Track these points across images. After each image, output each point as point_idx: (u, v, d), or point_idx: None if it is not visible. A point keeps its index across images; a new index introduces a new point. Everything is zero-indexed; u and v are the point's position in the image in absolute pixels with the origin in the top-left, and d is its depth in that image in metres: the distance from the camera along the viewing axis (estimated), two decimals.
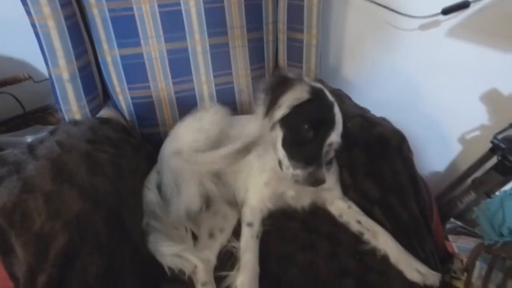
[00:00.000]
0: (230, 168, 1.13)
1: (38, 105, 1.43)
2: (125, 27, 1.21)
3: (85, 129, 1.05)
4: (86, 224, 0.76)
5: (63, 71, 1.08)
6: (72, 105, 1.14)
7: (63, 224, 0.74)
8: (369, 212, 1.07)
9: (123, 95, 1.29)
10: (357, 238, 1.02)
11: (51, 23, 1.01)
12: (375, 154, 1.07)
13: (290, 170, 0.94)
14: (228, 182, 1.14)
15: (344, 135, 1.07)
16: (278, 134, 0.98)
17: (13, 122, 1.36)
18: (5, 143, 1.24)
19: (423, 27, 1.33)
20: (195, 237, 1.02)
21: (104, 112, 1.25)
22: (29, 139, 1.23)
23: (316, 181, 0.91)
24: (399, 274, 0.92)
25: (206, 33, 1.30)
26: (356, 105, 1.26)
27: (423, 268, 0.92)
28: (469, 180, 1.38)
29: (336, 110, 0.96)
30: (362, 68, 1.56)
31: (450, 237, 1.25)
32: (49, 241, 0.72)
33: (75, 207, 0.76)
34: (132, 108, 1.31)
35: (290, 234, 1.03)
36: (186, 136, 1.13)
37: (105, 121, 1.16)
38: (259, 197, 1.07)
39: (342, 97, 1.30)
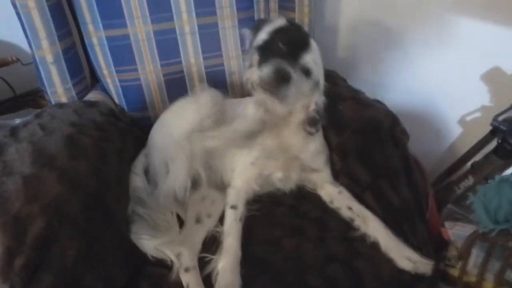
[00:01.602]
0: (218, 151, 1.11)
1: (29, 88, 1.41)
2: (110, 8, 1.17)
3: (70, 112, 1.03)
4: (65, 208, 0.75)
5: (47, 53, 1.05)
6: (58, 88, 1.12)
7: (41, 207, 0.73)
8: (360, 197, 1.04)
9: (111, 78, 1.27)
10: (347, 224, 1.00)
11: (31, 3, 0.98)
12: (367, 138, 1.04)
13: (257, 73, 0.91)
14: (215, 165, 1.12)
15: (335, 117, 1.05)
16: (255, 58, 0.97)
17: (4, 105, 1.35)
18: None
19: (423, 2, 1.27)
20: (182, 222, 1.01)
21: (92, 95, 1.23)
22: (18, 122, 1.23)
23: (279, 73, 0.86)
24: (389, 261, 0.90)
25: (194, 13, 1.25)
26: (349, 87, 1.22)
27: (414, 256, 0.89)
28: (468, 164, 1.33)
29: (313, 41, 0.97)
30: (358, 48, 1.50)
31: (447, 223, 1.22)
32: (27, 224, 0.72)
33: (54, 191, 0.75)
34: (120, 91, 1.29)
35: (277, 219, 1.01)
36: (175, 119, 1.10)
37: (91, 104, 1.14)
38: (245, 178, 1.05)
39: (335, 79, 1.26)
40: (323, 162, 1.10)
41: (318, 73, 0.98)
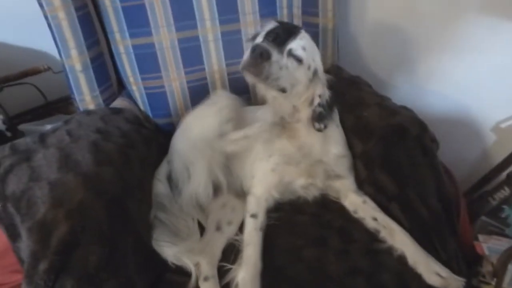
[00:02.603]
0: (238, 156, 1.10)
1: (60, 95, 1.47)
2: (136, 17, 1.20)
3: (96, 119, 1.07)
4: (88, 213, 0.77)
5: (76, 62, 1.09)
6: (86, 95, 1.16)
7: (65, 212, 0.75)
8: (386, 208, 1.00)
9: (136, 85, 1.30)
10: (372, 236, 0.96)
11: (61, 15, 1.02)
12: (393, 145, 0.99)
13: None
14: (236, 171, 1.11)
15: (359, 125, 1.01)
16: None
17: (36, 112, 1.42)
18: (28, 132, 1.29)
19: (452, 4, 1.21)
20: (202, 228, 1.01)
21: (118, 102, 1.26)
22: (48, 128, 1.28)
23: (256, 50, 0.86)
24: (417, 277, 0.85)
25: (217, 21, 1.26)
26: (374, 93, 1.18)
27: (444, 271, 0.85)
28: (503, 174, 1.25)
29: (303, 31, 0.98)
30: (385, 54, 1.45)
31: (480, 237, 1.15)
32: (52, 229, 0.74)
33: (78, 196, 0.77)
34: (145, 98, 1.32)
35: (299, 228, 0.99)
36: (195, 124, 1.10)
37: (117, 111, 1.17)
38: (265, 185, 1.03)
39: (360, 85, 1.22)
40: (346, 167, 1.07)
41: (313, 61, 0.98)
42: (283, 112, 1.03)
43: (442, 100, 1.31)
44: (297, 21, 1.33)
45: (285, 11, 1.33)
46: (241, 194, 1.09)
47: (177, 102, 1.33)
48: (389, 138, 1.00)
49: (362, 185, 1.06)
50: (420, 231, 0.94)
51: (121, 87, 1.35)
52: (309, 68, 0.97)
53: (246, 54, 0.89)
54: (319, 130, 0.99)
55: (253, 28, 1.31)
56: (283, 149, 1.03)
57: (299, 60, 0.94)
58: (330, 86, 1.01)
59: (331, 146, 1.04)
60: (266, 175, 1.04)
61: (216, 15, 1.25)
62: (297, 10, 1.31)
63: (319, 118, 0.98)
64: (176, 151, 1.11)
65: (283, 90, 0.95)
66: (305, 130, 1.02)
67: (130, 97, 1.34)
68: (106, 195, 0.82)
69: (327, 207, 1.07)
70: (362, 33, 1.49)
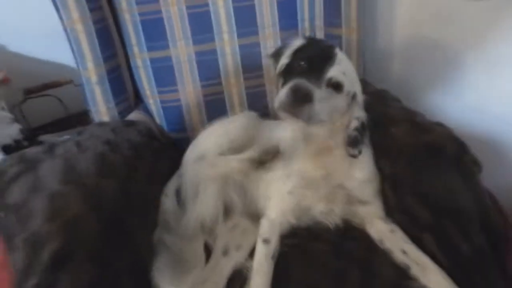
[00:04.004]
0: (253, 175, 1.03)
1: (82, 108, 1.49)
2: (154, 30, 1.19)
3: (107, 130, 1.04)
4: (83, 228, 0.72)
5: (92, 74, 1.09)
6: (101, 107, 1.15)
7: (59, 226, 0.71)
8: (418, 240, 0.86)
9: (153, 99, 1.28)
10: (400, 272, 0.83)
11: (79, 27, 1.03)
12: (425, 167, 0.87)
13: (277, 98, 0.82)
14: (250, 191, 1.03)
15: (386, 143, 0.90)
16: (279, 84, 0.91)
17: (58, 124, 1.44)
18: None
19: (497, 10, 1.08)
20: (210, 251, 0.92)
21: (134, 115, 1.24)
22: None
23: (296, 92, 0.77)
24: None
25: (235, 34, 1.23)
26: (404, 108, 1.06)
27: None
28: None
29: (338, 51, 0.88)
30: (415, 68, 1.33)
31: None
32: (44, 242, 0.69)
33: (75, 209, 0.72)
34: (161, 111, 1.29)
35: (315, 258, 0.87)
36: (209, 140, 1.07)
37: (130, 123, 1.14)
38: (280, 209, 0.94)
39: (387, 99, 1.11)
40: (372, 193, 0.95)
41: (352, 86, 0.88)
42: (316, 136, 0.93)
43: (483, 118, 1.16)
44: (319, 33, 1.27)
45: (306, 23, 1.27)
46: (255, 216, 1.00)
47: (193, 116, 1.30)
48: (421, 159, 0.88)
49: (391, 212, 0.94)
50: (460, 270, 0.79)
51: (139, 100, 1.34)
52: (348, 93, 0.88)
53: (283, 93, 0.78)
54: (354, 156, 0.89)
55: (272, 41, 1.26)
56: (304, 170, 0.94)
57: (339, 88, 0.84)
58: (366, 107, 0.92)
59: (356, 169, 0.93)
60: (282, 198, 0.95)
61: (234, 28, 1.22)
62: (319, 22, 1.25)
63: (354, 143, 0.88)
64: (187, 166, 1.05)
65: (319, 122, 0.86)
66: (331, 154, 0.93)
67: (147, 110, 1.32)
68: (105, 210, 0.77)
69: (349, 235, 0.94)
70: (391, 48, 1.39)
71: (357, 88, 0.90)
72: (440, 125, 0.94)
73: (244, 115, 1.10)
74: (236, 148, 1.02)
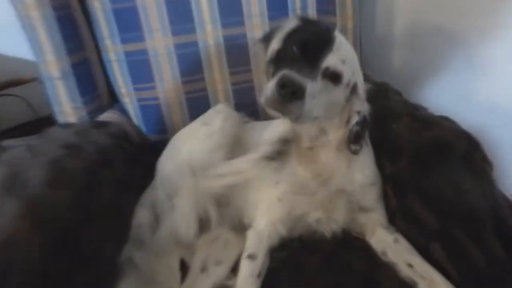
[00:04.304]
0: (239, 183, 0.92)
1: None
2: (128, 20, 1.08)
3: (70, 132, 0.92)
4: (21, 248, 0.59)
5: (52, 68, 0.97)
6: (65, 106, 1.02)
7: None
8: (425, 250, 0.76)
9: (128, 97, 1.16)
10: (406, 287, 0.72)
11: (35, 14, 0.90)
12: (431, 166, 0.76)
13: (265, 93, 0.70)
14: (235, 199, 0.91)
15: (386, 140, 0.80)
16: (269, 73, 0.79)
17: (25, 127, 1.31)
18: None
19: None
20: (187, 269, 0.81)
21: (107, 116, 1.12)
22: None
23: (284, 86, 0.65)
24: None
25: (219, 24, 1.12)
26: (405, 102, 0.96)
27: None
28: None
29: (336, 34, 0.75)
30: (417, 58, 1.23)
31: None
32: None
33: (12, 225, 0.60)
34: (138, 111, 1.17)
35: (309, 273, 0.76)
36: (190, 146, 0.93)
37: (100, 125, 1.02)
38: (269, 218, 0.83)
39: (387, 92, 1.01)
40: (375, 197, 0.84)
41: (353, 75, 0.76)
42: (304, 135, 0.82)
43: (493, 114, 1.05)
44: None
45: (298, 12, 1.16)
46: (241, 228, 0.89)
47: (173, 116, 1.18)
48: (426, 156, 0.77)
49: (392, 217, 0.83)
50: (474, 284, 0.69)
51: (114, 99, 1.22)
52: (347, 85, 0.75)
53: (270, 87, 0.67)
54: (355, 152, 0.78)
55: (261, 32, 1.15)
56: (295, 174, 0.83)
57: (337, 79, 0.72)
58: (369, 98, 0.80)
59: (357, 171, 0.82)
60: (271, 206, 0.84)
61: (218, 18, 1.11)
62: (312, 11, 1.14)
63: (355, 139, 0.77)
64: (161, 175, 0.94)
65: (312, 120, 0.75)
66: (327, 154, 0.82)
67: (123, 110, 1.19)
68: (54, 227, 0.64)
69: (347, 245, 0.84)
70: (390, 37, 1.29)
71: (358, 77, 0.78)
72: (446, 119, 0.84)
73: (223, 116, 0.96)
74: (213, 158, 0.89)
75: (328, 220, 0.83)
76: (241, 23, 1.13)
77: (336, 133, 0.80)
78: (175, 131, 1.19)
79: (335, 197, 0.82)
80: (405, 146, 0.80)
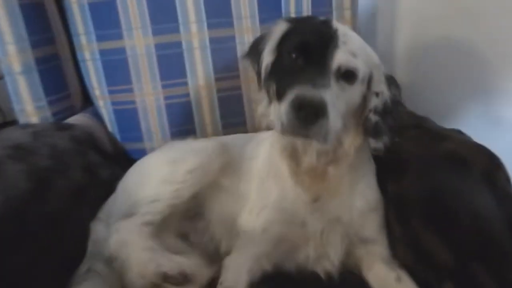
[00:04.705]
0: (215, 201, 0.78)
1: None
2: (106, 16, 0.98)
3: (26, 133, 0.80)
4: None
5: (13, 61, 0.86)
6: (26, 105, 0.91)
7: None
8: None
9: (103, 100, 1.05)
10: None
11: None
12: (443, 185, 0.63)
13: (275, 114, 0.61)
14: (211, 225, 0.78)
15: (388, 155, 0.67)
16: (272, 90, 0.66)
17: None
18: None
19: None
20: None
21: (76, 119, 1.00)
22: None
23: (304, 108, 0.54)
24: None
25: (205, 24, 1.02)
26: (411, 113, 0.84)
27: None
28: None
29: (336, 25, 0.64)
30: (422, 71, 1.12)
31: None
32: None
33: None
34: (113, 116, 1.06)
35: None
36: (149, 187, 0.76)
37: (64, 127, 0.90)
38: (251, 251, 0.69)
39: None
40: (376, 226, 0.70)
41: (367, 66, 0.63)
42: (311, 151, 0.68)
43: (502, 129, 0.93)
44: None
45: (292, 15, 1.07)
46: (213, 254, 0.76)
47: (151, 123, 1.06)
48: (436, 173, 0.64)
49: (394, 246, 0.69)
50: None
51: (90, 103, 1.11)
52: (363, 79, 0.63)
53: (284, 111, 0.56)
54: (378, 151, 0.65)
55: (251, 35, 1.05)
56: (285, 199, 0.70)
57: (353, 77, 0.61)
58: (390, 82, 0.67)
59: (358, 196, 0.69)
60: (254, 237, 0.71)
61: (204, 17, 1.02)
62: (307, 12, 1.04)
63: (375, 132, 0.63)
64: (118, 197, 0.81)
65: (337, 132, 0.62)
66: (338, 171, 0.68)
67: (97, 114, 1.08)
68: None
69: (341, 283, 0.69)
70: (392, 49, 1.19)
71: (373, 67, 0.65)
72: (458, 132, 0.71)
73: (195, 156, 0.78)
74: (179, 208, 0.75)
75: (321, 258, 0.69)
76: (230, 24, 1.04)
77: (353, 141, 0.66)
78: (152, 139, 1.08)
79: (330, 228, 0.69)
80: (411, 160, 0.68)
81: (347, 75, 0.60)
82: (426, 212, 0.64)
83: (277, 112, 0.59)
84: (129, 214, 0.72)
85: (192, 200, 0.76)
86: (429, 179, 0.64)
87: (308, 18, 0.77)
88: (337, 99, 0.58)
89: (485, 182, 0.60)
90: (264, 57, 0.67)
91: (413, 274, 0.67)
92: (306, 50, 0.61)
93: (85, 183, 0.79)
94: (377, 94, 0.64)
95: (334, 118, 0.57)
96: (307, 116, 0.54)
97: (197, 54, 1.04)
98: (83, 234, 0.74)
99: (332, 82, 0.59)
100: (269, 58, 0.66)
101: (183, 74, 1.04)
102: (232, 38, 1.05)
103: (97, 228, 0.76)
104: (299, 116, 0.54)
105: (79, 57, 1.03)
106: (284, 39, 0.66)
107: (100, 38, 0.99)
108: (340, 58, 0.59)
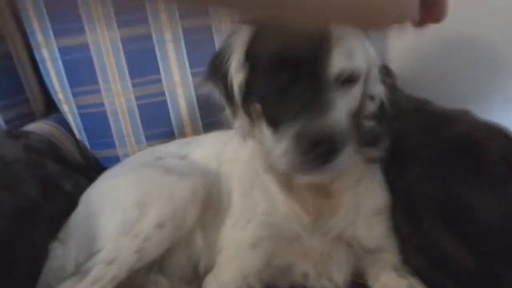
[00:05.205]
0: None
1: None
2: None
3: None
4: None
5: None
6: None
7: None
8: None
9: (67, 104, 0.94)
10: None
11: None
12: (456, 174, 0.54)
13: (279, 154, 0.46)
14: (193, 246, 0.68)
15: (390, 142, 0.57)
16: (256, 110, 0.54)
17: None
18: None
19: None
20: None
21: (36, 126, 0.89)
22: None
23: (312, 146, 0.43)
24: None
25: (177, 13, 0.92)
26: (410, 96, 0.74)
27: None
28: None
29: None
30: (428, 59, 1.02)
31: None
32: None
33: None
34: (79, 121, 0.95)
35: None
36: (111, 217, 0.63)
37: (19, 135, 0.79)
38: (237, 269, 0.59)
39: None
40: (383, 232, 0.60)
41: (366, 62, 0.52)
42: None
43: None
44: None
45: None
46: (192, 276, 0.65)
47: (123, 127, 0.95)
48: (448, 161, 0.54)
49: (404, 250, 0.59)
50: None
51: (54, 109, 1.00)
52: (362, 79, 0.52)
53: (289, 151, 0.45)
54: (373, 161, 0.55)
55: (230, 24, 0.95)
56: (276, 212, 0.60)
57: (354, 81, 0.50)
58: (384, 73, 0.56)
59: (362, 205, 0.59)
60: (241, 253, 0.60)
61: (175, 6, 0.92)
62: None
63: (372, 139, 0.53)
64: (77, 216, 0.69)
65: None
66: (344, 185, 0.58)
67: (63, 122, 0.97)
68: None
69: None
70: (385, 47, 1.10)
71: (370, 59, 0.53)
72: (466, 113, 0.62)
73: (190, 185, 0.65)
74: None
75: (322, 277, 0.59)
76: (205, 12, 0.94)
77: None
78: (125, 145, 0.97)
79: (332, 249, 0.59)
80: (417, 150, 0.58)
81: (348, 80, 0.49)
82: (439, 209, 0.54)
83: (281, 156, 0.46)
84: (81, 264, 0.59)
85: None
86: (440, 171, 0.54)
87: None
88: (343, 113, 0.48)
89: (504, 168, 0.51)
90: (232, 75, 0.53)
91: (427, 282, 0.57)
92: (292, 59, 0.47)
93: (40, 198, 0.68)
94: (372, 97, 0.53)
95: (349, 142, 0.46)
96: (321, 157, 0.43)
97: (170, 47, 0.93)
98: (37, 257, 0.62)
99: (335, 95, 0.47)
100: (238, 78, 0.52)
101: (155, 70, 0.94)
102: (208, 29, 0.95)
103: (55, 252, 0.65)
104: (309, 158, 0.43)
105: (37, 57, 0.92)
106: (253, 48, 0.52)
107: (58, 34, 0.89)
108: (337, 62, 0.47)
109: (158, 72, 0.94)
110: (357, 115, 0.53)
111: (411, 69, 0.99)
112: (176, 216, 0.61)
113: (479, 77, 0.87)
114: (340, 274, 0.58)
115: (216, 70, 0.56)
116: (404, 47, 1.03)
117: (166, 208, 0.61)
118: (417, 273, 0.57)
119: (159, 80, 0.95)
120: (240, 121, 0.55)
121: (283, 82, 0.48)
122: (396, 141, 0.61)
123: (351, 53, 0.49)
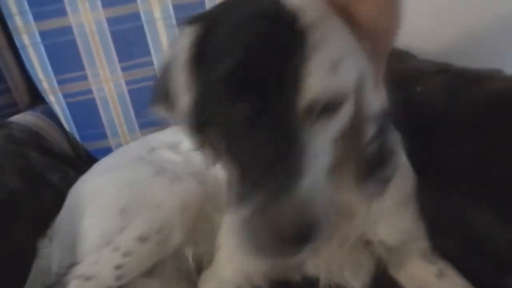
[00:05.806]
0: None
1: None
2: None
3: None
4: None
5: None
6: None
7: None
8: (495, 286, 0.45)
9: (53, 94, 0.87)
10: None
11: None
12: (492, 140, 0.45)
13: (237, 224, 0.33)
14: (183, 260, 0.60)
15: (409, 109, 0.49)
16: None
17: None
18: None
19: None
20: None
21: (20, 118, 0.82)
22: None
23: (281, 228, 0.30)
24: None
25: None
26: (429, 61, 0.65)
27: None
28: None
29: (297, 11, 0.34)
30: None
31: None
32: None
33: None
34: (67, 111, 0.88)
35: None
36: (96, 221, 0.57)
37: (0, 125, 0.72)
38: (240, 267, 0.51)
39: (400, 55, 0.71)
40: (408, 220, 0.50)
41: (356, 66, 0.36)
42: None
43: None
44: None
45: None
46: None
47: (114, 115, 0.89)
48: (480, 127, 0.46)
49: (430, 233, 0.51)
50: None
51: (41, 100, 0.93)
52: (351, 96, 0.37)
53: (247, 230, 0.32)
54: (372, 196, 0.43)
55: None
56: None
57: (337, 106, 0.35)
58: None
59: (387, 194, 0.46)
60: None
61: None
62: None
63: (380, 160, 0.40)
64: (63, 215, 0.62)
65: None
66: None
67: (52, 114, 0.91)
68: None
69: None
70: None
71: (362, 64, 0.37)
72: (497, 71, 0.53)
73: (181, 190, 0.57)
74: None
75: (336, 275, 0.51)
76: None
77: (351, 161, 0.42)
78: (117, 135, 0.90)
79: (351, 259, 0.51)
80: (443, 116, 0.49)
81: (328, 110, 0.34)
82: (474, 182, 0.46)
83: (241, 228, 0.33)
84: (63, 271, 0.52)
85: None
86: (472, 137, 0.46)
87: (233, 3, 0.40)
88: (320, 155, 0.34)
89: None
90: (178, 95, 0.40)
91: (460, 267, 0.49)
92: (250, 83, 0.33)
93: (21, 189, 0.61)
94: (369, 117, 0.38)
95: (329, 208, 0.34)
96: (290, 242, 0.31)
97: (160, 26, 0.86)
98: (17, 255, 0.56)
99: (310, 134, 0.33)
100: (187, 97, 0.38)
101: (146, 52, 0.87)
102: (202, 3, 0.87)
103: (44, 251, 0.59)
104: (274, 243, 0.31)
105: (17, 43, 0.85)
106: (205, 53, 0.37)
107: (38, 17, 0.82)
108: (313, 86, 0.32)
109: (148, 54, 0.87)
110: (350, 138, 0.40)
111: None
112: (163, 229, 0.52)
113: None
114: (357, 281, 0.49)
115: (164, 91, 0.42)
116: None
117: (152, 219, 0.53)
118: (446, 256, 0.49)
119: (150, 63, 0.88)
120: (199, 148, 0.42)
121: (239, 115, 0.34)
122: (419, 107, 0.53)
123: (335, 62, 0.33)
